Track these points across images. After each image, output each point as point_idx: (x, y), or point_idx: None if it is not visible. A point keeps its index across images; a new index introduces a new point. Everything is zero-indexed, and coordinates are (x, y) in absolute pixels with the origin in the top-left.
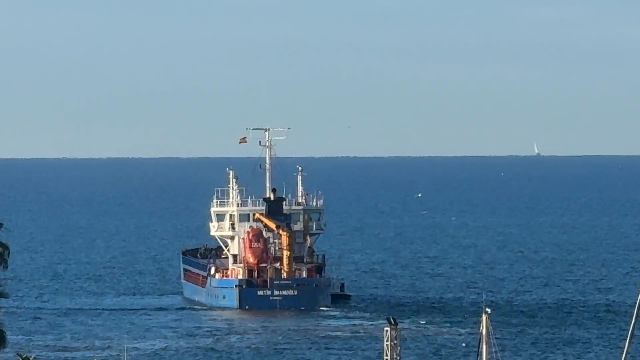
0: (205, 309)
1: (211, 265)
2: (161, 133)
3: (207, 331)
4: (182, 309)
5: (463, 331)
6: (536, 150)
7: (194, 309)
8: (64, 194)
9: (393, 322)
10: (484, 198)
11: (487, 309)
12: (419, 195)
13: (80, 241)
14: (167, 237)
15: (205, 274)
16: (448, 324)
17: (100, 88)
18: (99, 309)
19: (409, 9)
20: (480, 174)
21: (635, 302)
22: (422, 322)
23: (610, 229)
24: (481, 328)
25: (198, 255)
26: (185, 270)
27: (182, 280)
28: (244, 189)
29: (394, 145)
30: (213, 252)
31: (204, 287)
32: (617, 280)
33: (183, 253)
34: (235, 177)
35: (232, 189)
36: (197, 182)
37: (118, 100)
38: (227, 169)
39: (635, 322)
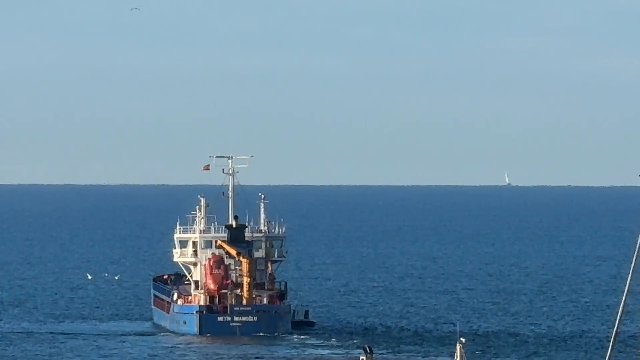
0: (167, 335)
1: (174, 291)
2: (125, 161)
3: (163, 357)
4: (145, 334)
5: None
6: (507, 181)
7: (156, 335)
8: (31, 220)
9: (369, 351)
10: (452, 227)
11: (461, 338)
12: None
13: (49, 266)
14: (138, 264)
15: (170, 299)
16: (418, 353)
17: (65, 115)
18: (64, 333)
19: (377, 39)
20: (451, 203)
21: (610, 335)
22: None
23: (575, 259)
24: (455, 357)
25: (168, 281)
26: (154, 296)
27: (152, 306)
28: (215, 216)
29: (360, 174)
30: (183, 278)
31: (168, 313)
32: (586, 310)
33: (153, 279)
34: (206, 204)
35: (198, 215)
36: (165, 208)
37: (82, 127)
38: (199, 196)
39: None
